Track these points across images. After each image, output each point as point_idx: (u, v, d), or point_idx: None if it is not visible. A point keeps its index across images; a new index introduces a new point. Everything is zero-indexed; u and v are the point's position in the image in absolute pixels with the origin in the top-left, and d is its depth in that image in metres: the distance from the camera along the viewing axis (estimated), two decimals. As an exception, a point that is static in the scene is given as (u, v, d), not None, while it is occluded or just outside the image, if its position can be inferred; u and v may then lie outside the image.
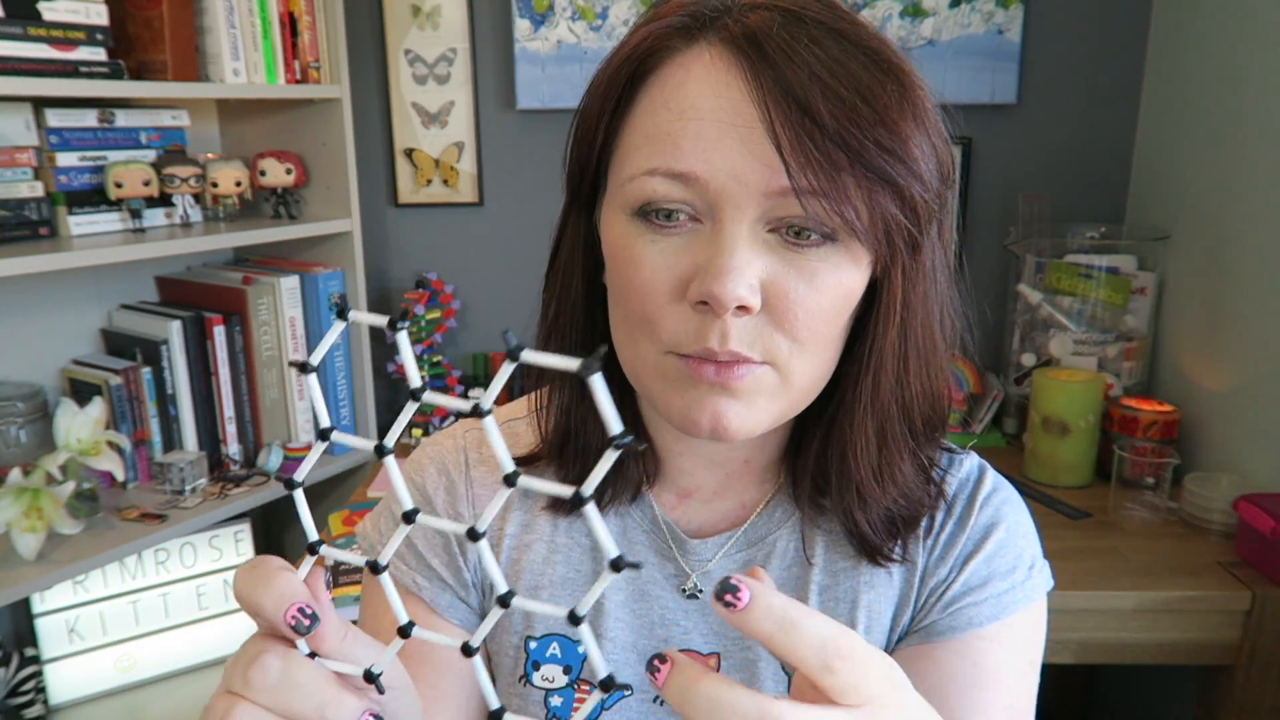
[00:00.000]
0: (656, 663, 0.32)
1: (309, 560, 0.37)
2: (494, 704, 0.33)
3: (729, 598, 0.31)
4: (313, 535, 0.37)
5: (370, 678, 0.37)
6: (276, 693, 0.35)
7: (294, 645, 0.37)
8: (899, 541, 0.59)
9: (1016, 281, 1.76)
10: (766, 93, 0.46)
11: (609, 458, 0.27)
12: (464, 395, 1.89)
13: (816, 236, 0.48)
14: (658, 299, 0.49)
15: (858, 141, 0.46)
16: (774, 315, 0.49)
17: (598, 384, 0.27)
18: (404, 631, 0.36)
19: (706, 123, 0.47)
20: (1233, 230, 1.50)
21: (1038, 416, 1.58)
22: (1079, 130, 1.82)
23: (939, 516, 0.61)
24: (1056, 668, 1.40)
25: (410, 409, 0.32)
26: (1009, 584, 0.59)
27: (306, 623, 0.35)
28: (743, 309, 0.47)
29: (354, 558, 0.38)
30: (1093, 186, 1.84)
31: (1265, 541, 1.25)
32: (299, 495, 0.36)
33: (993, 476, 0.64)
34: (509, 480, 0.29)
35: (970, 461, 0.65)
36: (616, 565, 0.27)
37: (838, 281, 0.49)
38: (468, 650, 0.34)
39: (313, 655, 0.37)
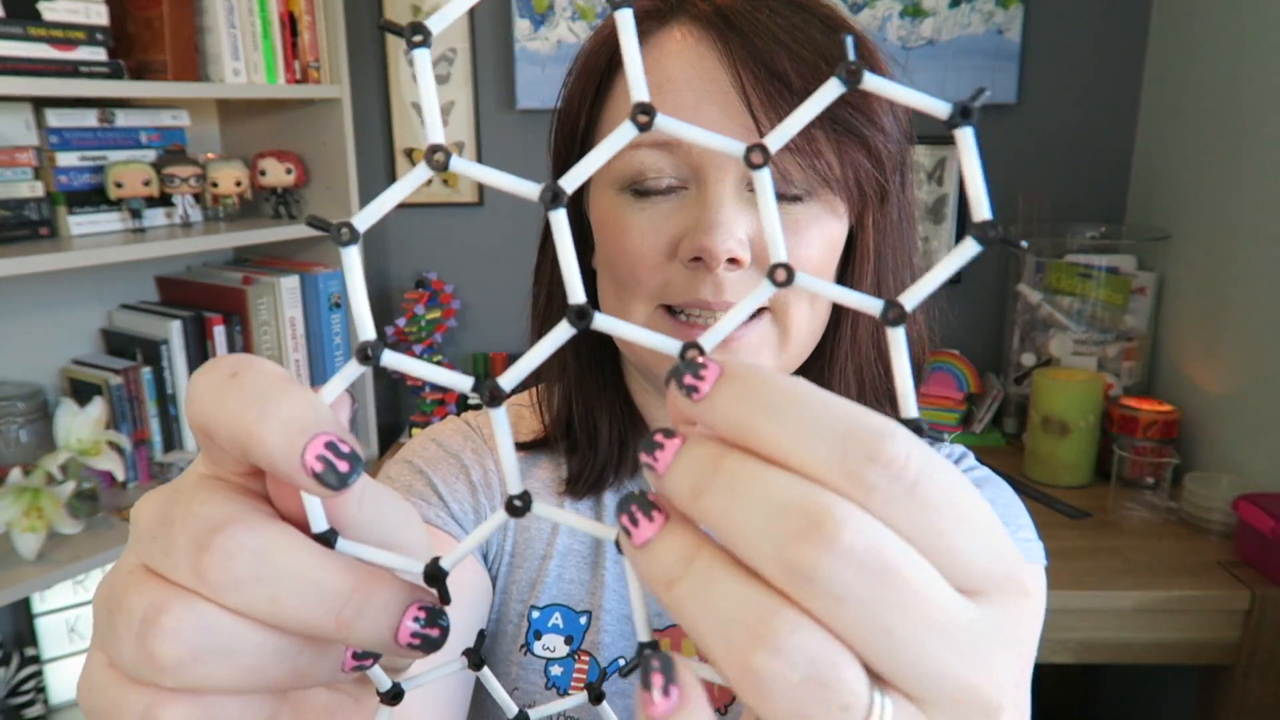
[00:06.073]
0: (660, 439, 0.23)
1: (346, 373, 0.23)
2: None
3: (689, 380, 0.22)
4: (366, 330, 0.23)
5: (434, 576, 0.24)
6: (252, 590, 0.21)
7: (267, 507, 0.23)
8: None
9: (1016, 281, 1.76)
10: (737, 59, 0.49)
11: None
12: (463, 396, 1.90)
13: (797, 190, 0.51)
14: (647, 261, 0.52)
15: None
16: (765, 268, 0.50)
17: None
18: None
19: (684, 92, 0.50)
20: (1232, 230, 1.50)
21: (1037, 416, 1.58)
22: (1079, 130, 1.82)
23: None
24: (1056, 667, 1.41)
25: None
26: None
27: (344, 468, 0.21)
28: (734, 261, 0.49)
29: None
30: (1092, 186, 1.84)
31: (1265, 541, 1.25)
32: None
33: (974, 459, 0.66)
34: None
35: (954, 448, 0.67)
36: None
37: (820, 231, 0.52)
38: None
39: (320, 535, 0.23)
